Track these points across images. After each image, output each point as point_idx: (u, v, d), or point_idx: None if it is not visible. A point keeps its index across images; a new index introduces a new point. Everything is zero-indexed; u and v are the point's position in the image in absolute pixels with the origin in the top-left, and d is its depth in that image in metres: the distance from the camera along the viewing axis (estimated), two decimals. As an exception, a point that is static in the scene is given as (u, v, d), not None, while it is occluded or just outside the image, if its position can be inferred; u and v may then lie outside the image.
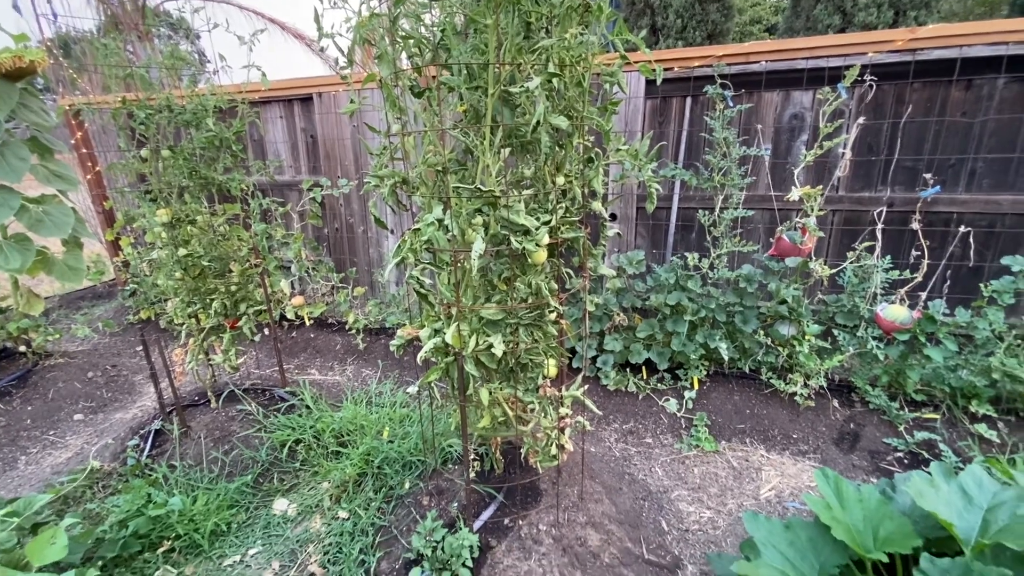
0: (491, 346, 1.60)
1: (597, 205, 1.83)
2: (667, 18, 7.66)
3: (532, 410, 1.93)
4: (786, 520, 1.56)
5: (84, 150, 4.62)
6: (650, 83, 3.18)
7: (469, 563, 1.82)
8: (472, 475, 2.00)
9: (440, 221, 1.49)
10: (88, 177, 4.75)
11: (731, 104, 2.90)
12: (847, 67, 2.63)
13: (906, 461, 2.52)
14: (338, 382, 3.53)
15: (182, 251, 2.55)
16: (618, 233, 2.05)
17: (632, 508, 2.27)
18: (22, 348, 3.73)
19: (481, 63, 1.41)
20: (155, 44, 2.85)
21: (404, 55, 1.56)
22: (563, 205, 1.67)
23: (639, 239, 3.50)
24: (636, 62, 2.30)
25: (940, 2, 6.91)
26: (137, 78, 2.48)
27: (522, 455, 2.29)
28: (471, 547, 1.84)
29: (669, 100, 3.25)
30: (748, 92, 3.02)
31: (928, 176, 2.72)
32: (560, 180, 1.64)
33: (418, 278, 1.51)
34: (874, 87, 2.71)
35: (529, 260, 1.56)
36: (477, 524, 2.02)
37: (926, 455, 2.51)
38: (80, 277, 2.40)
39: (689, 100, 3.18)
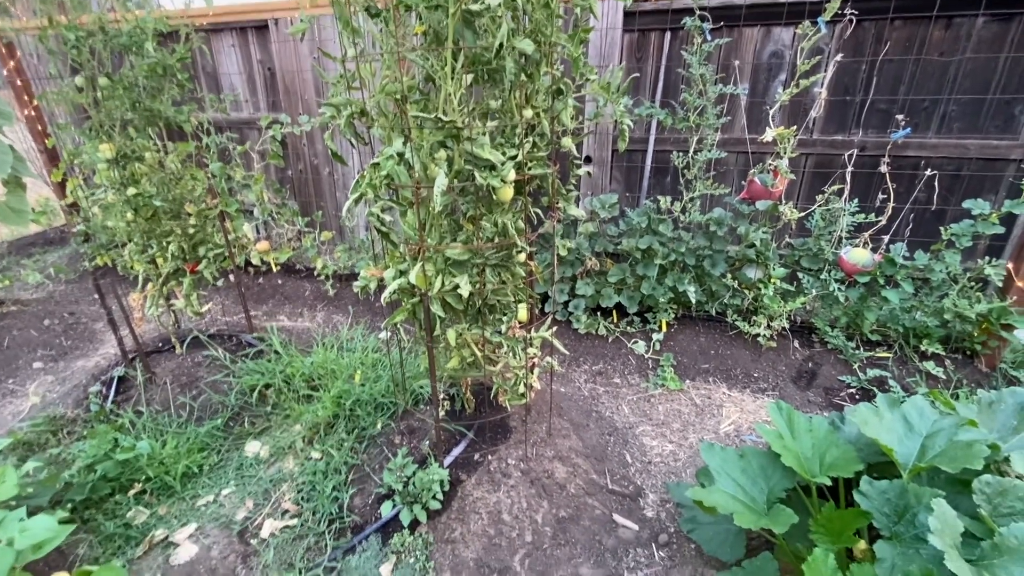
0: (457, 287, 1.57)
1: (567, 141, 1.77)
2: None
3: (502, 351, 1.94)
4: (740, 450, 1.64)
5: (19, 82, 4.24)
6: (628, 15, 3.02)
7: (439, 496, 1.88)
8: (443, 414, 2.03)
9: (401, 155, 1.42)
10: (26, 112, 4.38)
11: (709, 38, 2.79)
12: (828, 1, 2.54)
13: (858, 397, 2.66)
14: (308, 328, 3.49)
15: (131, 190, 2.40)
16: (588, 172, 2.00)
17: (598, 443, 2.36)
18: (-30, 295, 3.56)
19: (441, -21, 1.29)
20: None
21: (357, -31, 1.42)
22: (531, 140, 1.61)
23: (614, 183, 3.45)
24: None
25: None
26: (65, -5, 2.23)
27: (492, 394, 2.32)
28: (441, 481, 1.90)
29: (648, 34, 3.11)
30: (728, 27, 2.91)
31: (900, 117, 2.71)
32: (528, 113, 1.56)
33: (378, 215, 1.45)
34: (854, 22, 2.63)
35: (495, 197, 1.51)
36: (447, 460, 2.07)
37: (877, 391, 2.64)
38: (25, 220, 2.25)
39: (668, 35, 3.04)
